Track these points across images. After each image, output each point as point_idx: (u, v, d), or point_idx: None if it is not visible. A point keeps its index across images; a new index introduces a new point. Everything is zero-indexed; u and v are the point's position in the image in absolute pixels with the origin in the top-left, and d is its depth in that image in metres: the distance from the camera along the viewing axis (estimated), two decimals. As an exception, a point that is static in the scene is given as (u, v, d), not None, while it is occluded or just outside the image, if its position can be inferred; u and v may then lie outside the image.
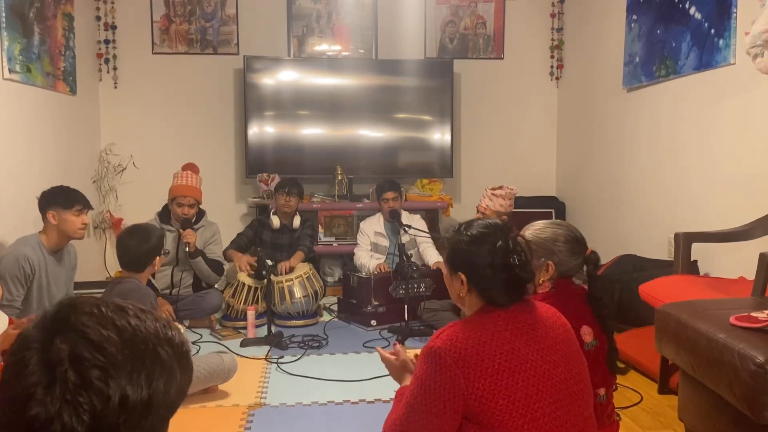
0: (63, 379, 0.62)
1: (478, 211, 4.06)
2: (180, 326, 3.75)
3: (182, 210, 4.06)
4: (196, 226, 4.13)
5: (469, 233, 1.47)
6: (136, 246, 2.75)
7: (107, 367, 0.63)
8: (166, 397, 0.68)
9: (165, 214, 4.18)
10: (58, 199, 3.10)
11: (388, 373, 1.79)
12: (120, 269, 2.78)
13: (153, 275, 3.50)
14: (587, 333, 1.76)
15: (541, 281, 1.84)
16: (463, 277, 1.46)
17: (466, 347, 1.34)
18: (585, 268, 1.87)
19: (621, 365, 1.84)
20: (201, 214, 4.24)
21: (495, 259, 1.41)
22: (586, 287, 1.86)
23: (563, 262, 1.83)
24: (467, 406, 1.33)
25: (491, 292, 1.43)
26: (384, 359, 1.79)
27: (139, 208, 4.97)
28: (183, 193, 4.07)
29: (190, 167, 4.41)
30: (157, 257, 2.80)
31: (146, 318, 0.70)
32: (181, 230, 4.02)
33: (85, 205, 3.17)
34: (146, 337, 0.68)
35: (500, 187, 3.98)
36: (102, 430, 0.63)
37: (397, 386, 1.72)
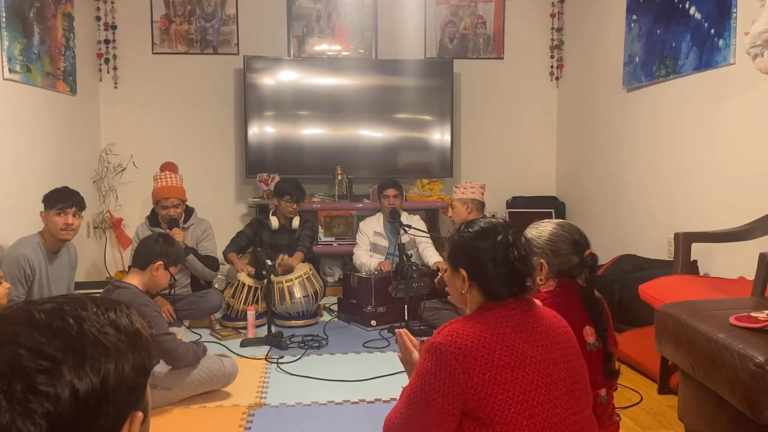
0: (7, 390, 0.64)
1: (451, 206, 4.14)
2: (180, 329, 3.76)
3: (167, 212, 4.04)
4: (186, 225, 4.13)
5: (470, 230, 1.52)
6: (151, 243, 2.83)
7: (50, 369, 0.65)
8: (122, 379, 0.70)
9: (154, 218, 4.17)
10: (45, 200, 3.14)
11: (387, 373, 1.79)
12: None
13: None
14: (590, 333, 1.76)
15: (537, 280, 1.84)
16: (464, 273, 1.48)
17: (466, 343, 1.36)
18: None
19: (617, 367, 1.83)
20: (190, 211, 4.23)
21: (497, 253, 1.45)
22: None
23: (564, 262, 1.83)
24: (466, 401, 1.35)
25: (492, 285, 1.45)
26: (404, 346, 1.65)
27: (139, 208, 4.98)
28: (165, 195, 4.06)
29: (169, 167, 4.38)
30: (160, 263, 2.80)
31: (85, 310, 0.72)
32: (168, 230, 4.01)
33: (70, 204, 3.12)
34: (85, 329, 0.70)
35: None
36: (61, 428, 0.65)
37: (398, 384, 1.71)
